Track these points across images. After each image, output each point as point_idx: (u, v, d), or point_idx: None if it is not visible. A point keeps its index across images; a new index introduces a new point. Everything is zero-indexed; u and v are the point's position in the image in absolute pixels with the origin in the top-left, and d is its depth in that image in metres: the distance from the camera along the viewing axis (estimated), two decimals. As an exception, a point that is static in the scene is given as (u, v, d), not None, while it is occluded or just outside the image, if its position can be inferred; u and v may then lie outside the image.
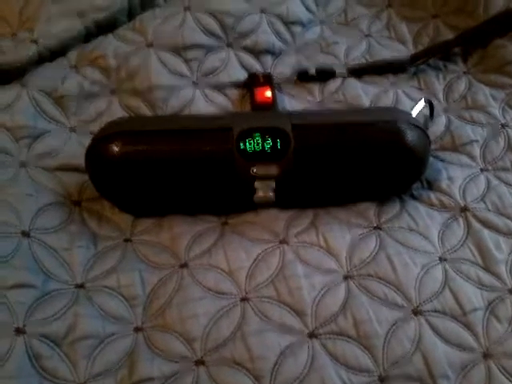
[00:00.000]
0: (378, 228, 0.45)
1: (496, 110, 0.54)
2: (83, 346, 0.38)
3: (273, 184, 0.43)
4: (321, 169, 0.44)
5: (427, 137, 0.45)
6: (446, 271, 0.43)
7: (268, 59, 0.57)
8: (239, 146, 0.42)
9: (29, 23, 0.53)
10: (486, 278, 0.43)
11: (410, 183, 0.47)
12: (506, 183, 0.49)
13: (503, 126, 0.52)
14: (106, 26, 0.56)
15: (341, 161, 0.43)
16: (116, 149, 0.41)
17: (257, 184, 0.43)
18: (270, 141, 0.42)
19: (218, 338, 0.39)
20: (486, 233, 0.45)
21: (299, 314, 0.40)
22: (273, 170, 0.43)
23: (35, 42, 0.52)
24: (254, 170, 0.42)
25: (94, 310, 0.40)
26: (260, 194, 0.44)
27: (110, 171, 0.43)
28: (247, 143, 0.42)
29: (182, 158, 0.42)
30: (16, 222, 0.42)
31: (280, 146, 0.42)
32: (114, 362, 0.38)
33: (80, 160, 0.45)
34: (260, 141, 0.42)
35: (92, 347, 0.38)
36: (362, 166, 0.44)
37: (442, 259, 0.44)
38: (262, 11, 0.57)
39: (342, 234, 0.45)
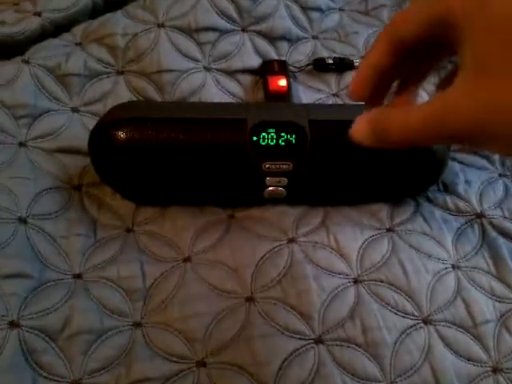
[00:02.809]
0: (390, 230, 0.44)
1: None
2: (80, 341, 0.36)
3: (285, 180, 0.41)
4: (336, 167, 0.41)
5: (447, 138, 0.43)
6: (458, 279, 0.41)
7: (284, 45, 0.54)
8: (252, 139, 0.40)
9: (32, -5, 0.50)
10: (499, 288, 0.41)
11: (428, 185, 0.45)
12: (525, 190, 0.47)
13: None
14: (115, 2, 0.53)
15: (358, 160, 0.41)
16: (122, 135, 0.39)
17: (268, 179, 0.41)
18: (285, 136, 0.40)
19: (221, 339, 0.37)
20: (501, 241, 0.43)
21: (306, 317, 0.38)
22: (286, 165, 0.40)
23: (38, 14, 0.49)
24: (267, 166, 0.40)
25: (92, 304, 0.38)
26: (271, 189, 0.42)
27: (115, 159, 0.40)
28: (261, 137, 0.39)
29: (192, 149, 0.39)
30: (13, 207, 0.40)
31: (295, 141, 0.40)
32: (111, 359, 0.36)
33: (82, 142, 0.42)
34: (275, 135, 0.39)
35: (89, 342, 0.36)
36: (380, 166, 0.42)
37: (454, 267, 0.42)
38: (280, -5, 0.54)
39: (353, 236, 0.43)
